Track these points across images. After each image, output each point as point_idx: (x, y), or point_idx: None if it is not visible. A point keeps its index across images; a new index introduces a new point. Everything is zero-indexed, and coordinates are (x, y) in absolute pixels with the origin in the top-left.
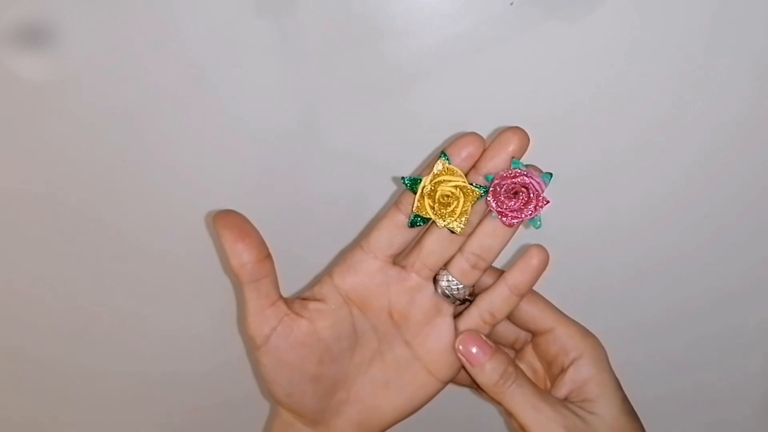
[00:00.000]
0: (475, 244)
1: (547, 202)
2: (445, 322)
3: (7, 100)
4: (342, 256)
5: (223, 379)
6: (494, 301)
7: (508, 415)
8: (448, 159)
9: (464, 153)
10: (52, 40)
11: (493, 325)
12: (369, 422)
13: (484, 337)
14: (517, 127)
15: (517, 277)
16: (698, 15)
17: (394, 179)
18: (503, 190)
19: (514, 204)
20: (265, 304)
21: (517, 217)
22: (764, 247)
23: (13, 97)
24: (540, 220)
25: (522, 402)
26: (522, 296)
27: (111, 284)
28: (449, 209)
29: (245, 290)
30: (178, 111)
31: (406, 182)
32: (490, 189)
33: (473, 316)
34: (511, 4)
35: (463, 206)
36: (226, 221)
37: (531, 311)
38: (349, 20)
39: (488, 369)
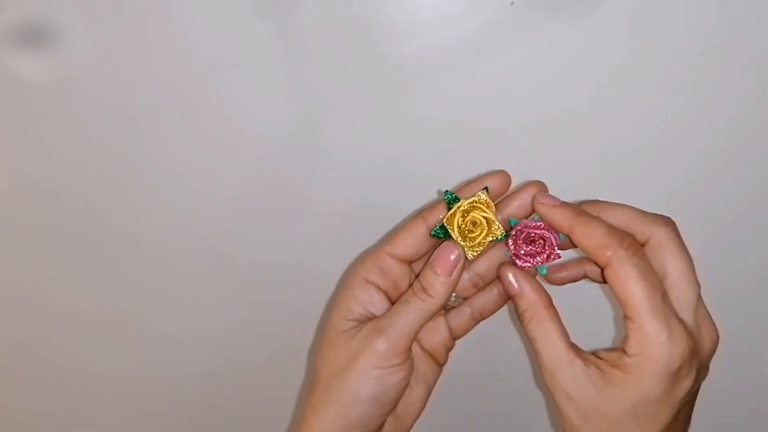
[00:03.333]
0: (483, 267)
1: (559, 256)
2: (441, 321)
3: (7, 100)
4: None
5: (223, 381)
6: (486, 304)
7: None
8: (488, 194)
9: (495, 186)
10: (52, 40)
11: (479, 321)
12: (403, 423)
13: (521, 277)
14: (538, 182)
15: None
16: (698, 15)
17: (439, 192)
18: (523, 236)
19: (530, 249)
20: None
21: (528, 262)
22: (764, 248)
23: (13, 97)
24: (547, 269)
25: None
26: (507, 300)
27: (111, 284)
28: (472, 236)
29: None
30: (178, 111)
31: (448, 196)
32: (512, 233)
33: (464, 314)
34: (512, 4)
35: (483, 238)
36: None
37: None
38: (350, 21)
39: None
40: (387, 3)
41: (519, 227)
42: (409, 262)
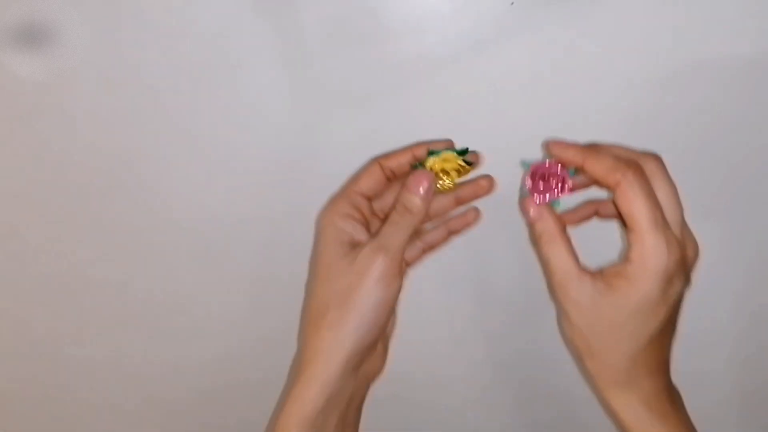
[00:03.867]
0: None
1: (571, 189)
2: None
3: (7, 100)
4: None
5: (221, 376)
6: (435, 239)
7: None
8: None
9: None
10: (51, 40)
11: (427, 252)
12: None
13: (541, 206)
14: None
15: (455, 225)
16: (698, 14)
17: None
18: (538, 174)
19: (545, 186)
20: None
21: (543, 196)
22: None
23: (13, 97)
24: (560, 204)
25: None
26: (453, 235)
27: (111, 282)
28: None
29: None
30: (178, 111)
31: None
32: (529, 173)
33: (417, 247)
34: (512, 3)
35: (441, 183)
36: None
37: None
38: (349, 20)
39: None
40: (387, 2)
41: (533, 168)
42: (370, 199)
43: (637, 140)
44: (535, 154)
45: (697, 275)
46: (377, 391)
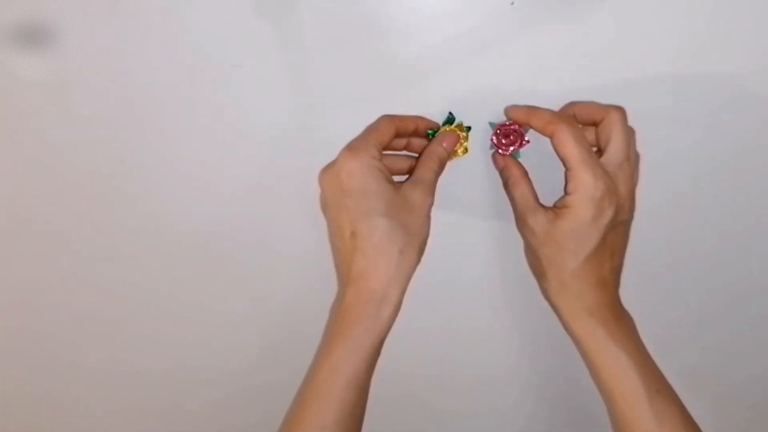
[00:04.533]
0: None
1: (528, 141)
2: None
3: (7, 100)
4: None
5: (221, 381)
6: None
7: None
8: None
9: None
10: (52, 40)
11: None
12: None
13: (508, 158)
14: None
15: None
16: (698, 14)
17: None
18: (501, 132)
19: (507, 141)
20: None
21: (507, 150)
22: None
23: (13, 97)
24: (520, 155)
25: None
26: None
27: (112, 281)
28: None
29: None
30: (178, 111)
31: (450, 116)
32: (494, 132)
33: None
34: (512, 3)
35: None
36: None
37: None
38: (350, 20)
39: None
40: (387, 2)
41: (497, 127)
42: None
43: (638, 140)
44: (535, 154)
45: None
46: (380, 392)
